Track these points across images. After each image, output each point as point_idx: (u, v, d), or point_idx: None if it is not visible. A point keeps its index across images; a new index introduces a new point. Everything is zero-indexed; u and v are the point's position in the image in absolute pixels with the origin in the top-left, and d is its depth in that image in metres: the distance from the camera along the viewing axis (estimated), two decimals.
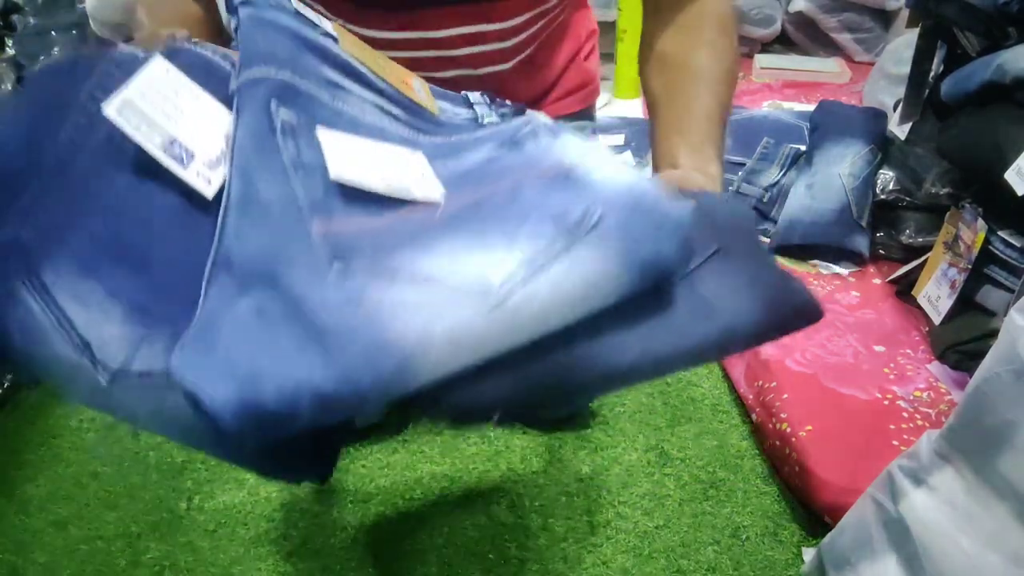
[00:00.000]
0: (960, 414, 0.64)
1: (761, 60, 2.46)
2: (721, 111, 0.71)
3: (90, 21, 1.41)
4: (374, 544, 0.90)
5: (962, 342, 1.10)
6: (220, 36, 0.71)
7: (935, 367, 1.11)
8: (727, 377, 1.19)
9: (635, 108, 2.40)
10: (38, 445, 1.05)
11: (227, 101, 0.50)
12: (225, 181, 0.48)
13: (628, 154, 1.86)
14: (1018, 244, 1.07)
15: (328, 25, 0.56)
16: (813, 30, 2.59)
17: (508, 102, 0.63)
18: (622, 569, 0.87)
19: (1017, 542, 0.60)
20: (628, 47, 2.33)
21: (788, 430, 0.99)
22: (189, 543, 0.90)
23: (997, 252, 1.10)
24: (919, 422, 1.00)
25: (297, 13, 0.55)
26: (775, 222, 1.43)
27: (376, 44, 0.62)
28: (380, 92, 0.57)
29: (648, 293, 0.50)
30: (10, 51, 1.20)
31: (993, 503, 0.62)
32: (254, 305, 0.44)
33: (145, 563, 0.88)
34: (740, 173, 1.52)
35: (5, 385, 1.12)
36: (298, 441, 0.44)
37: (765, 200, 1.46)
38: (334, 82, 0.54)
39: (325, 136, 0.51)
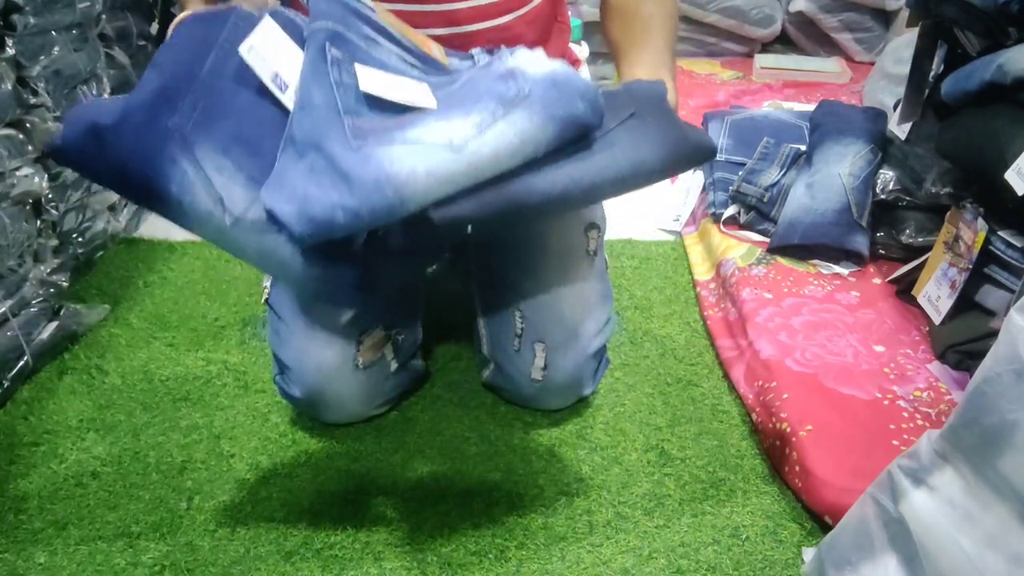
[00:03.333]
0: (960, 414, 0.64)
1: (761, 60, 2.46)
2: (668, 46, 0.96)
3: None
4: (374, 544, 0.90)
5: (962, 342, 1.10)
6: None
7: (935, 367, 1.11)
8: (727, 377, 1.19)
9: None
10: (33, 443, 1.05)
11: (303, 46, 0.74)
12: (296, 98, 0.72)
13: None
14: (1019, 244, 1.07)
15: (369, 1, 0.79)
16: (813, 30, 2.59)
17: (503, 46, 0.84)
18: (622, 569, 0.87)
19: (1017, 542, 0.60)
20: None
21: (788, 430, 0.99)
22: (189, 543, 0.90)
23: (997, 252, 1.10)
24: (919, 422, 1.00)
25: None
26: (775, 222, 1.43)
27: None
28: (404, 48, 0.80)
29: (574, 142, 0.74)
30: (10, 51, 1.20)
31: (993, 503, 0.62)
32: (308, 163, 0.70)
33: (145, 563, 0.88)
34: (740, 173, 1.52)
35: (5, 384, 1.12)
36: (347, 270, 0.76)
37: (765, 200, 1.46)
38: (371, 37, 0.78)
39: (360, 68, 0.74)
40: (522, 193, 0.72)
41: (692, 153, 0.82)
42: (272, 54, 0.74)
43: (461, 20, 0.94)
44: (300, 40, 0.75)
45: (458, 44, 0.94)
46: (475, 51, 0.88)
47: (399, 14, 0.85)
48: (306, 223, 0.68)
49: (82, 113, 0.73)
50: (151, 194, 0.73)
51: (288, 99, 0.73)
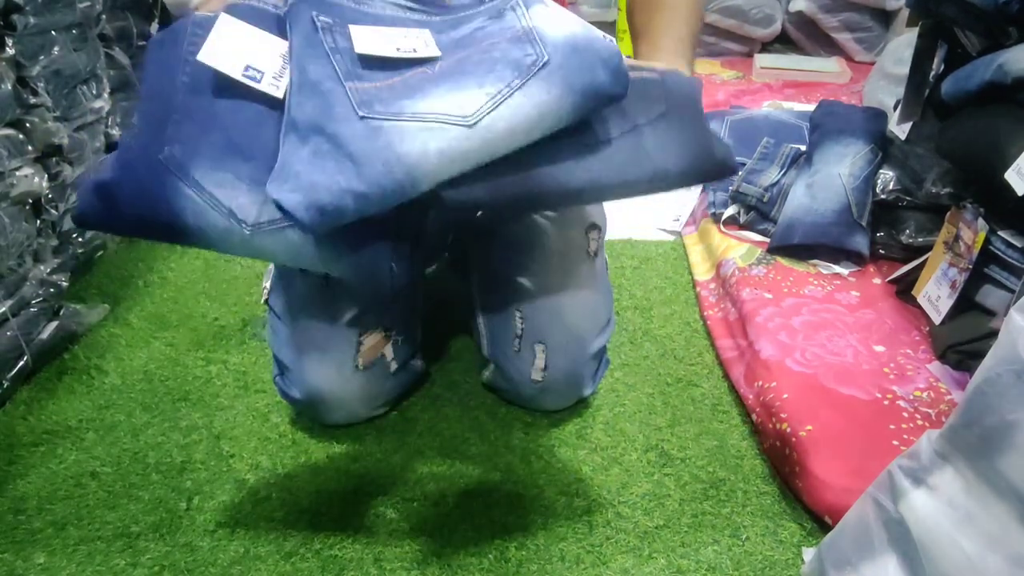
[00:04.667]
0: (960, 414, 0.64)
1: (761, 60, 2.46)
2: (691, 38, 0.90)
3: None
4: (374, 544, 0.90)
5: (962, 342, 1.10)
6: None
7: (935, 367, 1.11)
8: (727, 377, 1.19)
9: None
10: (33, 444, 1.05)
11: (274, 30, 0.72)
12: (289, 81, 0.70)
13: None
14: (1019, 244, 1.07)
15: None
16: (813, 30, 2.59)
17: None
18: (622, 569, 0.87)
19: (1017, 543, 0.60)
20: (628, 47, 2.33)
21: (788, 430, 0.99)
22: (189, 543, 0.90)
23: (997, 252, 1.10)
24: (919, 422, 1.00)
25: None
26: (775, 222, 1.43)
27: None
28: None
29: (596, 111, 0.70)
30: (10, 51, 1.20)
31: (993, 503, 0.62)
32: (312, 148, 0.67)
33: (145, 563, 0.88)
34: (740, 173, 1.52)
35: (5, 384, 1.12)
36: (368, 253, 0.73)
37: (765, 200, 1.46)
38: None
39: (354, 29, 0.70)
40: (539, 182, 0.70)
41: (715, 170, 0.79)
42: (237, 48, 0.70)
43: None
44: (269, 26, 0.72)
45: None
46: None
47: None
48: (315, 212, 0.66)
49: (89, 176, 0.74)
50: (175, 231, 0.72)
51: (267, 86, 0.70)
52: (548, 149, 0.69)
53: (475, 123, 0.65)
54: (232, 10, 0.72)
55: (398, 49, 0.70)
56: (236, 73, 0.70)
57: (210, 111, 0.71)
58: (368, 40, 0.70)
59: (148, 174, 0.70)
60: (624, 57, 0.71)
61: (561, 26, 0.69)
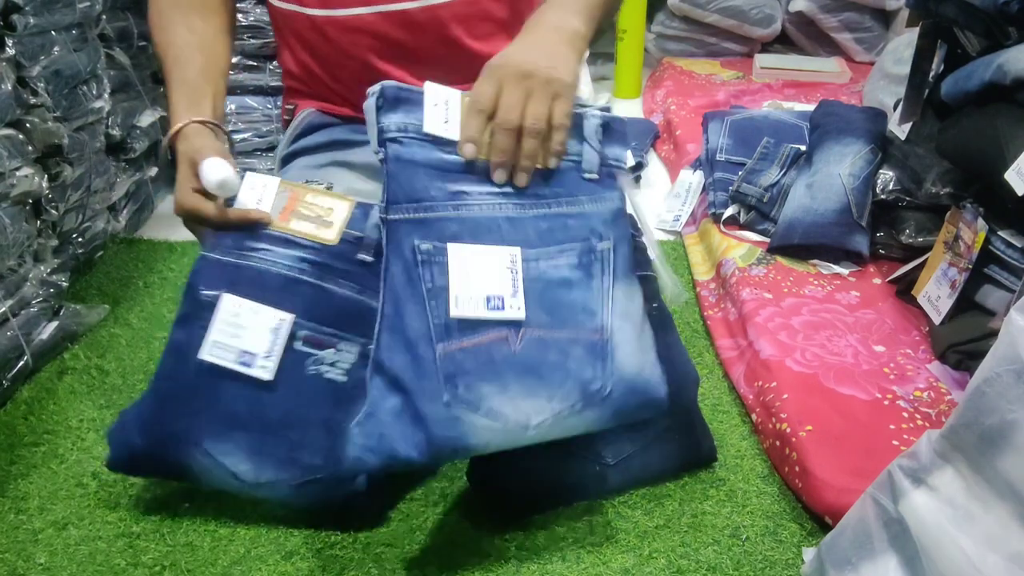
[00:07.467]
0: (960, 414, 0.64)
1: (761, 60, 2.46)
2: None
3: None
4: (374, 544, 0.90)
5: (962, 342, 1.10)
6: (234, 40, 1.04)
7: (935, 367, 1.11)
8: (727, 377, 1.19)
9: (635, 108, 2.40)
10: (33, 443, 1.05)
11: (272, 295, 0.86)
12: (277, 361, 0.85)
13: (628, 154, 1.86)
14: (1019, 244, 1.07)
15: (456, 130, 0.80)
16: (813, 30, 2.59)
17: (617, 145, 0.85)
18: (622, 569, 0.87)
19: (1017, 542, 0.60)
20: (628, 47, 2.33)
21: (788, 430, 0.99)
22: (189, 543, 0.90)
23: (997, 252, 1.10)
24: (919, 422, 1.00)
25: (429, 139, 0.80)
26: (775, 222, 1.43)
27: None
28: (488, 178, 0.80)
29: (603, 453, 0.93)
30: (10, 51, 1.20)
31: (993, 503, 0.62)
32: (396, 406, 0.77)
33: (145, 563, 0.88)
34: (740, 173, 1.52)
35: (5, 384, 1.12)
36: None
37: (765, 200, 1.46)
38: (458, 192, 0.80)
39: (454, 256, 0.78)
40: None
41: (698, 464, 0.99)
42: (233, 334, 0.85)
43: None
44: (268, 292, 0.86)
45: (427, 18, 0.94)
46: (587, 129, 0.83)
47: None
48: (378, 461, 0.77)
49: (119, 435, 0.89)
50: (186, 478, 0.90)
51: (257, 369, 0.85)
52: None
53: (534, 431, 0.78)
54: (236, 271, 0.86)
55: (488, 308, 0.78)
56: (232, 362, 0.85)
57: (216, 389, 0.86)
58: (462, 286, 0.78)
59: (166, 441, 0.87)
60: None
61: (632, 356, 0.81)
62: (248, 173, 0.89)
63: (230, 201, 0.87)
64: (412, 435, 0.76)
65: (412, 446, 0.75)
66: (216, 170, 0.84)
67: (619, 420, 0.82)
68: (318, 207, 0.88)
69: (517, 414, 0.77)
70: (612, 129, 0.83)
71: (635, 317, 0.83)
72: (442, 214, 0.79)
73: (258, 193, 0.87)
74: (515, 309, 0.78)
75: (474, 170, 0.80)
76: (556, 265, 0.81)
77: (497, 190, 0.80)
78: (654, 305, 0.98)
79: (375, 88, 0.79)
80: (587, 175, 0.83)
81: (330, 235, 0.87)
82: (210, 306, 0.85)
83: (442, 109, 0.80)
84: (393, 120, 0.79)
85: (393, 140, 0.79)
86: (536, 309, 0.79)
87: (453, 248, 0.78)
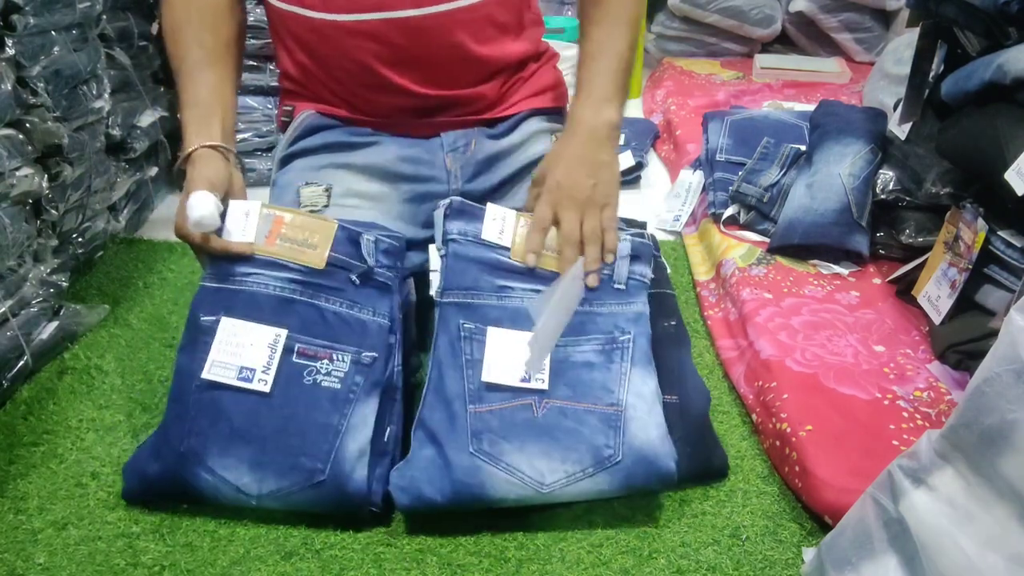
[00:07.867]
0: (960, 414, 0.64)
1: (761, 60, 2.46)
2: (618, 73, 1.01)
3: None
4: (374, 544, 0.90)
5: (962, 342, 1.10)
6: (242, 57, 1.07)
7: (935, 367, 1.11)
8: (727, 377, 1.19)
9: (635, 108, 2.40)
10: (33, 443, 1.05)
11: (268, 314, 0.93)
12: (275, 374, 0.91)
13: (628, 154, 1.86)
14: (1019, 244, 1.07)
15: (508, 239, 0.96)
16: (813, 30, 2.59)
17: (642, 263, 0.99)
18: (622, 569, 0.87)
19: (1017, 542, 0.60)
20: None
21: (788, 430, 0.99)
22: (189, 543, 0.90)
23: (997, 252, 1.10)
24: (919, 422, 1.00)
25: (483, 243, 0.96)
26: (775, 222, 1.43)
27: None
28: (539, 279, 0.96)
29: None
30: (10, 51, 1.20)
31: (993, 503, 0.62)
32: (431, 455, 0.89)
33: (144, 563, 0.88)
34: (740, 173, 1.52)
35: (5, 384, 1.12)
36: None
37: (765, 200, 1.46)
38: (503, 286, 0.96)
39: (491, 337, 0.93)
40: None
41: (710, 476, 1.00)
42: (233, 352, 0.91)
43: (430, 0, 0.96)
44: (260, 311, 0.93)
45: (431, 25, 0.96)
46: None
47: None
48: (407, 501, 0.89)
49: (133, 464, 0.94)
50: (196, 499, 0.93)
51: (257, 383, 0.91)
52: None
53: (548, 491, 0.88)
54: (233, 298, 0.93)
55: (516, 377, 0.92)
56: (232, 379, 0.91)
57: (218, 406, 0.91)
58: (496, 359, 0.92)
59: (174, 463, 0.91)
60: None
61: (643, 430, 0.91)
62: (232, 202, 0.94)
63: (218, 230, 0.92)
64: (439, 480, 0.88)
65: (437, 491, 0.87)
66: (195, 208, 0.89)
67: (630, 489, 0.91)
68: (301, 230, 0.94)
69: (532, 471, 0.88)
70: (639, 250, 0.98)
71: (648, 397, 0.93)
72: (486, 302, 0.94)
73: (241, 223, 0.94)
74: (540, 382, 0.92)
75: (520, 271, 0.96)
76: (582, 351, 0.94)
77: (539, 287, 0.95)
78: (672, 323, 1.09)
79: (445, 201, 0.96)
80: (616, 285, 0.97)
81: (315, 259, 0.94)
82: (210, 331, 0.92)
83: (499, 223, 0.96)
84: (455, 226, 0.95)
85: (453, 240, 0.95)
86: (560, 384, 0.92)
87: (492, 330, 0.93)
